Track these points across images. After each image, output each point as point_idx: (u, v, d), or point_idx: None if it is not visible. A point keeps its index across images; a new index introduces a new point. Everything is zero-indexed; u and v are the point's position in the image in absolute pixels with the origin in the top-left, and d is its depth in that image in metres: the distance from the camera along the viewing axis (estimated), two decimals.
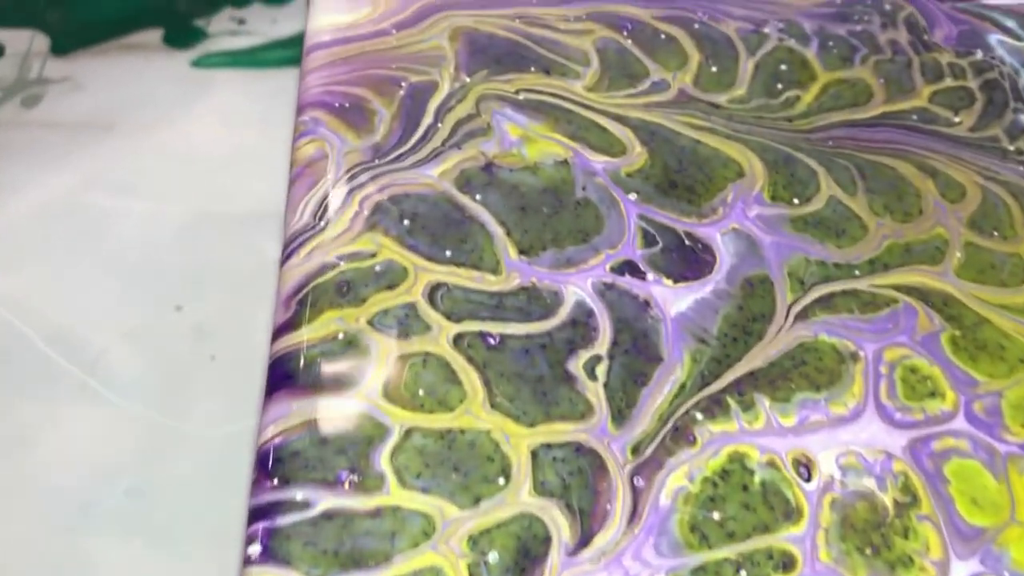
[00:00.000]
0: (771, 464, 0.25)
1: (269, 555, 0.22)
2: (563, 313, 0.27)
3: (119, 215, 0.44)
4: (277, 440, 0.24)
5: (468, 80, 0.32)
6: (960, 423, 0.26)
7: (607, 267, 0.28)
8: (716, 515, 0.24)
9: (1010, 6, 0.35)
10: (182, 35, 0.53)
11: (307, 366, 0.25)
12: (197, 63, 0.51)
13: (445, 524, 0.23)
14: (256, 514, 0.23)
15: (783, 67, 0.33)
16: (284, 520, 0.23)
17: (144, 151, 0.48)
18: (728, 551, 0.23)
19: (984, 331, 0.28)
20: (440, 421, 0.25)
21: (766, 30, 0.34)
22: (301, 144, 0.30)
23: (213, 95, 0.51)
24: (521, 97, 0.32)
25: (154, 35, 0.53)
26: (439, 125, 0.31)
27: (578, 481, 0.24)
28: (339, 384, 0.25)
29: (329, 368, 0.25)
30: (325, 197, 0.29)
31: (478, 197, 0.29)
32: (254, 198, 0.42)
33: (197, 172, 0.47)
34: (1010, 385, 0.27)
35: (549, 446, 0.25)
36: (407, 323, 0.27)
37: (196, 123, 0.49)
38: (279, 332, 0.26)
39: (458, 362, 0.26)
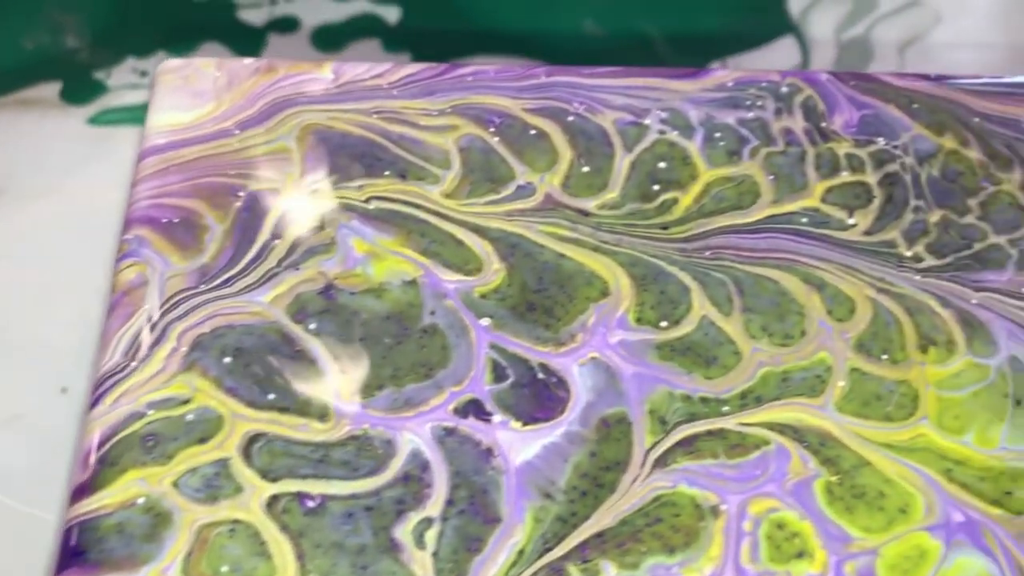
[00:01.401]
0: None
1: None
2: (395, 467, 0.25)
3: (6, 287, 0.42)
4: None
5: (314, 187, 0.30)
6: None
7: (450, 408, 0.26)
8: None
9: (917, 87, 0.33)
10: (81, 89, 0.51)
11: (100, 539, 0.23)
12: (95, 120, 0.49)
13: None
14: None
15: (662, 165, 0.31)
16: None
17: (36, 217, 0.46)
18: None
19: (864, 476, 0.26)
20: None
21: (647, 121, 0.32)
22: (121, 268, 0.28)
23: (111, 155, 0.49)
24: (372, 206, 0.30)
25: (52, 89, 0.51)
26: (276, 242, 0.29)
27: None
28: (134, 560, 0.23)
29: (124, 541, 0.23)
30: (139, 332, 0.27)
31: (312, 327, 0.27)
32: None
33: (92, 240, 0.44)
34: (887, 541, 0.25)
35: None
36: (216, 484, 0.24)
37: (92, 187, 0.47)
38: (75, 496, 0.24)
39: (270, 531, 0.24)
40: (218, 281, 0.28)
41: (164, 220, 0.29)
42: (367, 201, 0.30)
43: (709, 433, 0.26)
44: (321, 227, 0.29)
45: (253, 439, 0.25)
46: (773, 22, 0.45)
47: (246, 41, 0.44)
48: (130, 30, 0.46)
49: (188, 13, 0.46)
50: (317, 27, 0.44)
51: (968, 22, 0.46)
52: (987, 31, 0.45)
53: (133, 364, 0.26)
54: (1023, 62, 0.45)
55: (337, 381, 0.26)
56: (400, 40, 0.44)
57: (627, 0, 0.46)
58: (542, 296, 0.28)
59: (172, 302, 0.27)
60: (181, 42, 0.44)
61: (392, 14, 0.45)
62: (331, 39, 0.44)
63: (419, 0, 0.45)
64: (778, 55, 0.45)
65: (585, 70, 0.33)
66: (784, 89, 0.33)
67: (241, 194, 0.30)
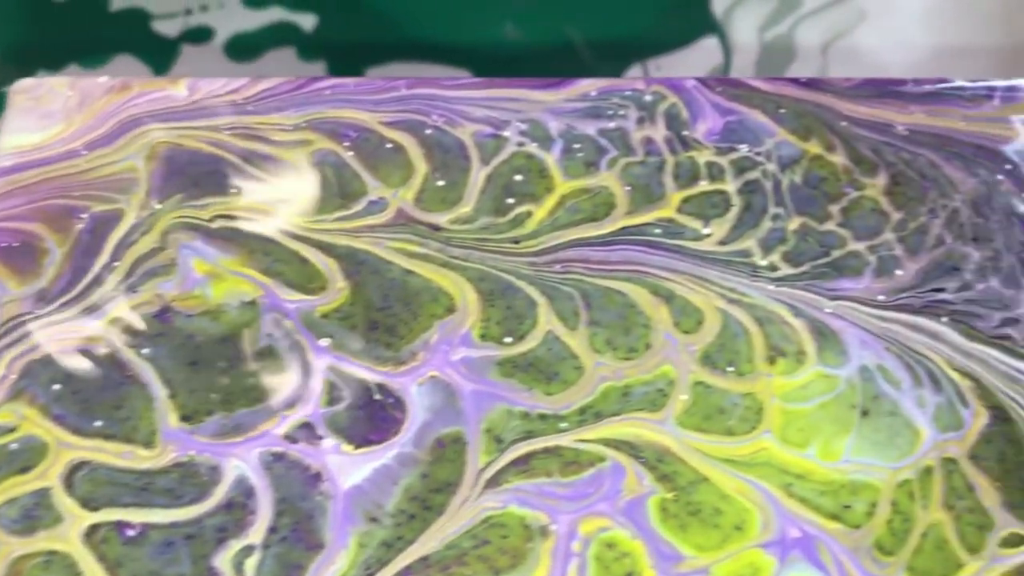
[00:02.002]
0: None
1: None
2: (220, 494, 0.25)
3: None
4: None
5: (158, 207, 0.29)
6: None
7: (280, 433, 0.26)
8: None
9: (786, 92, 0.33)
10: None
11: None
12: None
13: None
14: None
15: (518, 178, 0.31)
16: None
17: None
18: None
19: (701, 492, 0.25)
20: None
21: (506, 133, 0.31)
22: None
23: None
24: (215, 226, 0.29)
25: None
26: (116, 264, 0.28)
27: None
28: None
29: None
30: None
31: (145, 351, 0.27)
32: None
33: None
34: (721, 559, 0.24)
35: None
36: (35, 515, 0.24)
37: None
38: None
39: (87, 562, 0.24)
40: (54, 306, 0.28)
41: (4, 244, 0.29)
42: (211, 220, 0.29)
43: (545, 451, 0.26)
44: (162, 248, 0.29)
45: (76, 467, 0.25)
46: (696, 23, 0.45)
47: (159, 53, 0.44)
48: (43, 44, 0.46)
49: (102, 26, 0.45)
50: (231, 37, 0.44)
51: (893, 21, 0.45)
52: (912, 31, 0.45)
53: None
54: (947, 62, 0.45)
55: (166, 407, 0.26)
56: (316, 48, 0.44)
57: (548, 6, 0.46)
58: (386, 314, 0.28)
59: (6, 328, 0.27)
60: (94, 55, 0.44)
61: (308, 22, 0.44)
62: (246, 49, 0.44)
63: (336, 8, 0.45)
64: (700, 56, 0.45)
65: (447, 82, 0.33)
66: (648, 98, 0.33)
67: (84, 216, 0.29)
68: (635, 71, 0.44)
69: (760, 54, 0.45)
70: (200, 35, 0.44)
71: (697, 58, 0.45)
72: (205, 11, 0.45)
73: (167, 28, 0.44)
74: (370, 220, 0.30)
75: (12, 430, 0.26)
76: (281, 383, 0.27)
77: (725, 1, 0.46)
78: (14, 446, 0.25)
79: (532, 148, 0.31)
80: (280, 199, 0.29)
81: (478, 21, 0.46)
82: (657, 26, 0.46)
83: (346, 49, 0.45)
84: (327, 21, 0.45)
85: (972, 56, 0.45)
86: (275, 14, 0.45)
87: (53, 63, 0.45)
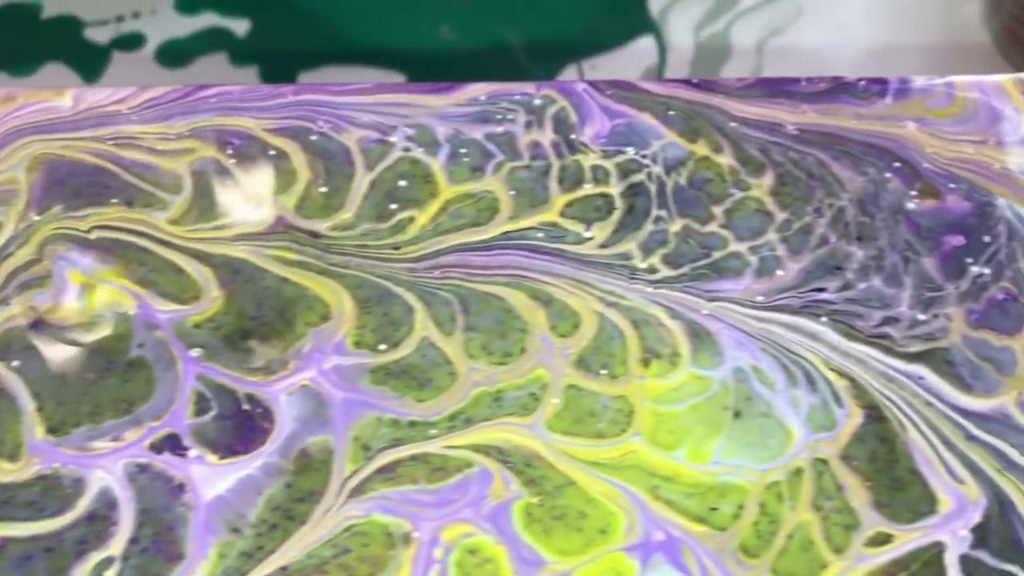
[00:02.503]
0: None
1: None
2: (82, 506, 0.25)
3: None
4: None
5: (37, 219, 0.29)
6: None
7: (146, 444, 0.26)
8: None
9: (676, 94, 0.33)
10: None
11: None
12: None
13: None
14: None
15: (402, 183, 0.31)
16: None
17: None
18: None
19: (567, 496, 0.26)
20: None
21: (393, 138, 0.32)
22: None
23: None
24: (93, 236, 0.29)
25: None
26: None
27: None
28: None
29: None
30: None
31: (15, 364, 0.27)
32: None
33: None
34: (583, 563, 0.25)
35: None
36: None
37: None
38: None
39: None
40: None
41: None
42: (90, 231, 0.29)
43: (412, 458, 0.26)
44: (38, 260, 0.29)
45: None
46: (633, 23, 0.45)
47: (90, 61, 0.44)
48: None
49: (33, 33, 0.45)
50: (163, 44, 0.44)
51: (831, 18, 0.46)
52: (850, 28, 0.45)
53: None
54: (886, 59, 0.45)
55: (33, 420, 0.26)
56: (248, 54, 0.44)
57: (484, 8, 0.46)
58: (259, 323, 0.28)
59: None
60: (24, 63, 0.44)
61: (241, 27, 0.44)
62: (177, 55, 0.44)
63: (269, 13, 0.45)
64: (635, 56, 0.45)
65: (335, 87, 0.33)
66: (537, 101, 0.33)
67: None
68: (571, 72, 0.44)
69: (695, 53, 0.45)
70: (131, 42, 0.44)
71: (632, 58, 0.45)
72: (137, 18, 0.45)
73: (99, 35, 0.44)
74: (248, 228, 0.30)
75: None
76: (150, 394, 0.27)
77: (661, 1, 0.46)
78: None
79: (418, 153, 0.32)
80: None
81: (413, 25, 0.46)
82: (593, 26, 0.46)
83: (279, 54, 0.45)
84: (260, 26, 0.45)
85: (911, 53, 0.46)
86: (208, 20, 0.45)
87: None
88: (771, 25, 0.46)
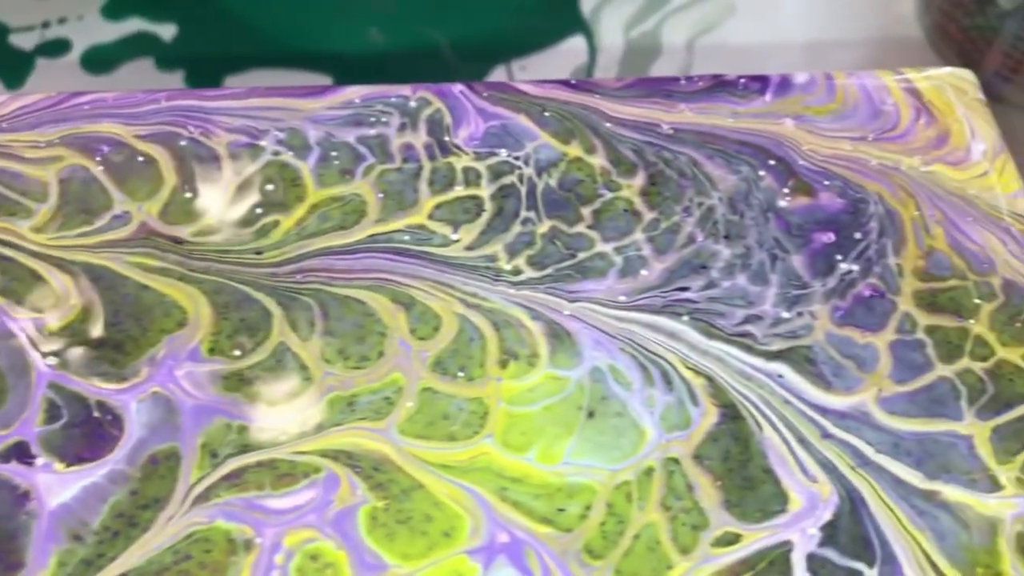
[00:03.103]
0: None
1: None
2: None
3: None
4: None
5: None
6: None
7: None
8: None
9: (553, 95, 0.33)
10: None
11: None
12: None
13: None
14: None
15: (270, 187, 0.31)
16: None
17: None
18: None
19: (414, 500, 0.26)
20: None
21: (263, 142, 0.32)
22: None
23: None
24: None
25: None
26: None
27: None
28: None
29: None
30: None
31: None
32: None
33: None
34: (424, 567, 0.25)
35: None
36: None
37: None
38: None
39: None
40: None
41: None
42: None
43: (259, 464, 0.26)
44: None
45: None
46: (564, 23, 0.46)
47: (14, 67, 0.44)
48: None
49: None
50: (88, 49, 0.44)
51: (764, 15, 0.46)
52: (783, 24, 0.46)
53: None
54: (819, 54, 0.46)
55: None
56: (174, 59, 0.44)
57: (412, 9, 0.46)
58: (116, 330, 0.28)
59: None
60: None
61: (168, 32, 0.45)
62: (102, 61, 0.44)
63: (196, 18, 0.45)
64: (565, 56, 0.45)
65: (209, 92, 0.33)
66: (413, 104, 0.33)
67: None
68: (499, 72, 0.44)
69: (625, 52, 0.46)
70: (56, 48, 0.44)
71: (562, 58, 0.45)
72: (63, 24, 0.45)
73: (24, 41, 0.45)
74: (111, 235, 0.30)
75: None
76: (2, 402, 0.27)
77: (593, 1, 0.46)
78: None
79: (287, 157, 0.32)
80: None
81: (341, 27, 0.46)
82: (524, 27, 0.46)
83: (205, 59, 0.45)
84: (187, 31, 0.45)
85: (845, 48, 0.46)
86: (134, 25, 0.45)
87: None
88: (703, 23, 0.46)
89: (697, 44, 0.46)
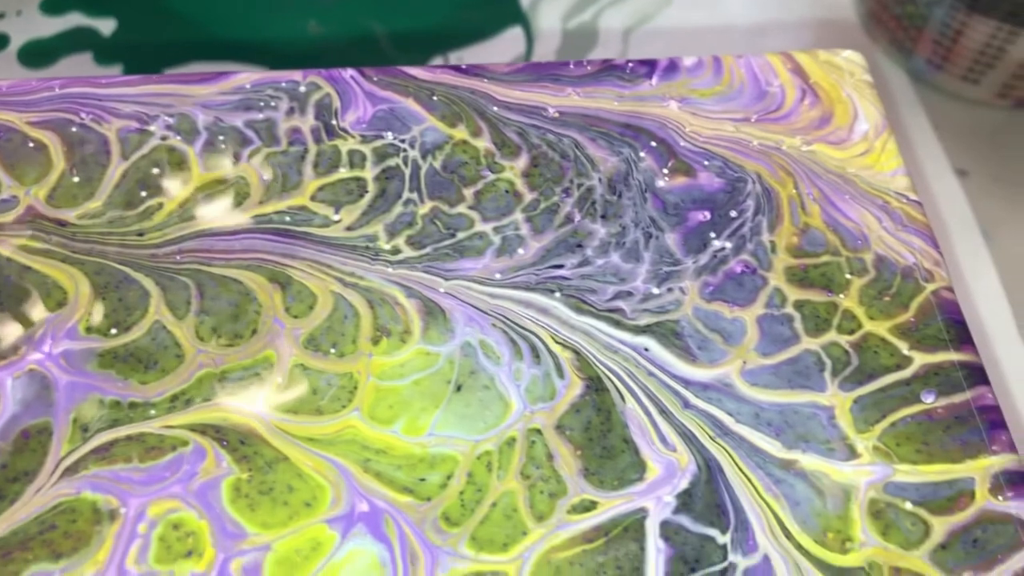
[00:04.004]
0: None
1: None
2: None
3: None
4: None
5: None
6: None
7: None
8: None
9: (442, 80, 0.34)
10: None
11: None
12: None
13: None
14: None
15: (155, 171, 0.32)
16: None
17: None
18: None
19: (278, 472, 0.27)
20: None
21: (152, 127, 0.33)
22: None
23: None
24: None
25: None
26: None
27: None
28: None
29: None
30: None
31: None
32: None
33: None
34: (283, 536, 0.26)
35: None
36: None
37: None
38: None
39: None
40: None
41: None
42: None
43: (128, 438, 0.27)
44: None
45: None
46: (502, 13, 0.46)
47: None
48: None
49: None
50: (26, 43, 0.45)
51: (697, 5, 0.47)
52: (720, 9, 0.47)
53: None
54: (749, 44, 0.47)
55: None
56: (113, 52, 0.45)
57: (350, 0, 0.47)
58: None
59: None
60: None
61: (107, 26, 0.45)
62: (40, 55, 0.45)
63: (135, 11, 0.46)
64: (503, 46, 0.46)
65: (103, 80, 0.34)
66: (302, 89, 0.34)
67: None
68: (436, 64, 0.45)
69: (562, 41, 0.46)
70: None
71: (500, 48, 0.46)
72: (2, 18, 0.46)
73: None
74: None
75: None
76: None
77: None
78: None
79: (175, 141, 0.33)
80: None
81: (279, 18, 0.47)
82: (463, 17, 0.47)
83: (144, 51, 0.45)
84: (126, 24, 0.46)
85: (781, 34, 0.47)
86: (73, 20, 0.46)
87: None
88: (640, 13, 0.47)
89: (634, 32, 0.47)
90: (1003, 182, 0.47)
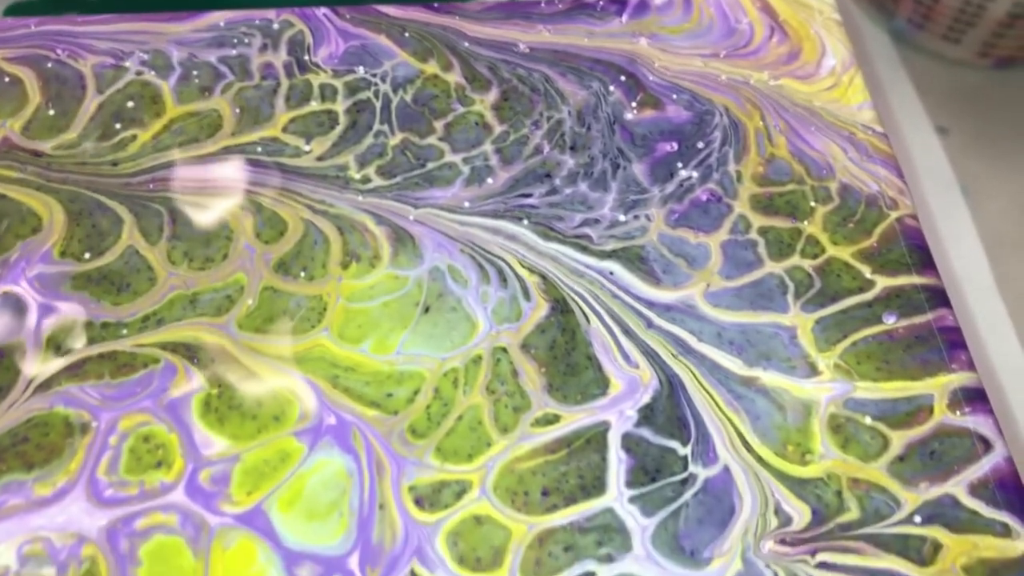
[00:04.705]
0: None
1: None
2: None
3: None
4: None
5: None
6: (178, 496, 0.26)
7: None
8: None
9: (415, 17, 0.35)
10: None
11: None
12: None
13: None
14: None
15: (130, 104, 0.32)
16: None
17: None
18: None
19: (247, 387, 0.27)
20: None
21: (127, 63, 0.33)
22: None
23: None
24: None
25: None
26: None
27: None
28: None
29: None
30: None
31: None
32: None
33: None
34: (252, 447, 0.26)
35: None
36: None
37: None
38: None
39: None
40: None
41: None
42: None
43: (100, 356, 0.28)
44: None
45: None
46: None
47: None
48: None
49: None
50: (11, 5, 0.45)
51: None
52: None
53: None
54: None
55: None
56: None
57: None
58: None
59: None
60: None
61: None
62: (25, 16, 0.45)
63: None
64: None
65: (79, 19, 0.35)
66: (276, 26, 0.35)
67: None
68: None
69: None
70: None
71: None
72: None
73: None
74: None
75: None
76: None
77: None
78: None
79: (150, 76, 0.33)
80: None
81: None
82: None
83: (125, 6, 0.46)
84: None
85: None
86: None
87: None
88: None
89: None
90: (983, 139, 0.48)
